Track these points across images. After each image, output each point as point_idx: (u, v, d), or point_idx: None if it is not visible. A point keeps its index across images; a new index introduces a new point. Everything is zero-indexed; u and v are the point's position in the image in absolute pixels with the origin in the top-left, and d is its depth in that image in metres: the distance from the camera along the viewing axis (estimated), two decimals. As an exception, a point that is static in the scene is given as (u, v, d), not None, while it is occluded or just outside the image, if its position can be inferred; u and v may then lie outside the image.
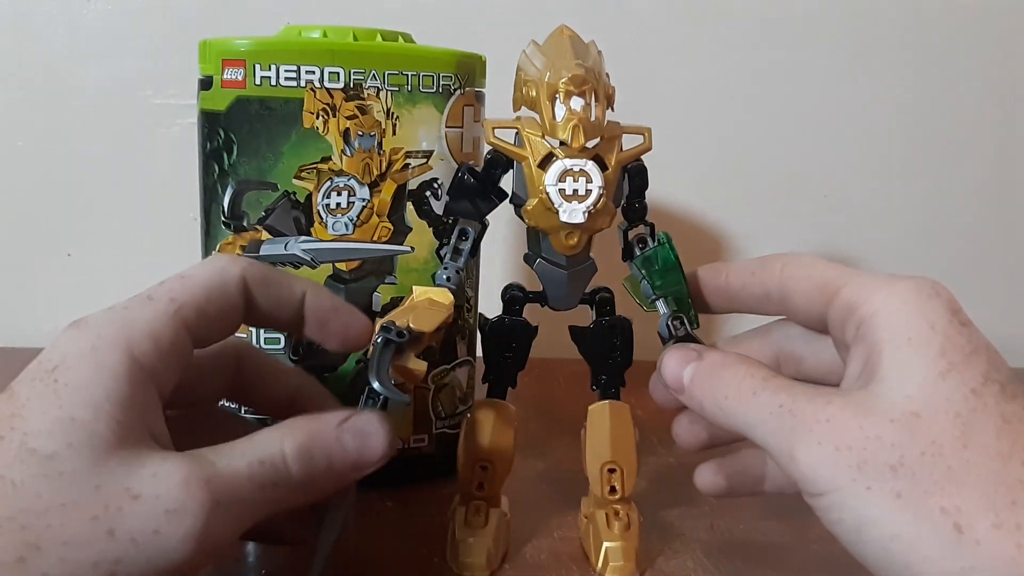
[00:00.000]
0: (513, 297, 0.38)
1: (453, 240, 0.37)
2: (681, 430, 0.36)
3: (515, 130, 0.35)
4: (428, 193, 0.42)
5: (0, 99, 0.66)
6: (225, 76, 0.39)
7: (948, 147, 0.72)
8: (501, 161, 0.35)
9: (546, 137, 0.34)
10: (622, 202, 0.36)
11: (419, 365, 0.33)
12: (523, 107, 0.35)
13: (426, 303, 0.35)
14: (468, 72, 0.42)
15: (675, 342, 0.35)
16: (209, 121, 0.40)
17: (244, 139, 0.39)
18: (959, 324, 0.27)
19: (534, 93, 0.33)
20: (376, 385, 0.31)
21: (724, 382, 0.30)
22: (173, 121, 0.66)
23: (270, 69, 0.39)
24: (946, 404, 0.26)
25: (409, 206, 0.42)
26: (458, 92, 0.42)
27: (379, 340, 0.32)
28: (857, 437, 0.26)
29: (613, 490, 0.38)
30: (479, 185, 0.35)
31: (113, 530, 0.24)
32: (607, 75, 0.35)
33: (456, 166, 0.42)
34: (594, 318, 0.38)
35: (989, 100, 0.72)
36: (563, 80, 0.32)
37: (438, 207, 0.42)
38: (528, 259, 0.37)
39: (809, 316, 0.32)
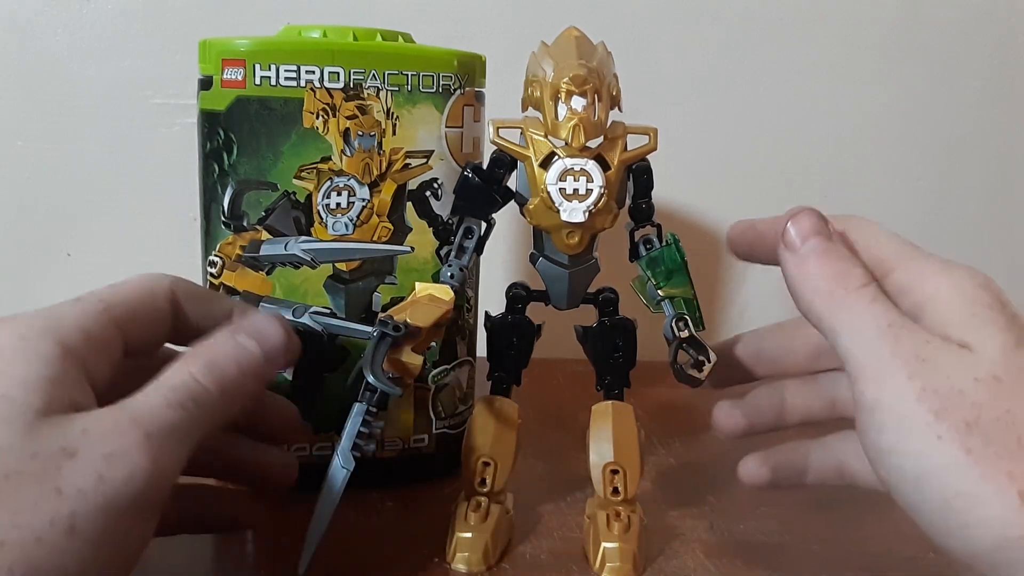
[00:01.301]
0: (516, 295, 0.38)
1: (458, 238, 0.37)
2: (721, 414, 0.37)
3: (519, 130, 0.35)
4: (428, 193, 0.42)
5: (0, 99, 0.66)
6: (225, 76, 0.39)
7: (948, 147, 0.72)
8: (505, 160, 0.35)
9: (549, 136, 0.34)
10: (628, 202, 0.36)
11: (414, 359, 0.34)
12: (530, 107, 0.35)
13: (426, 299, 0.35)
14: (468, 72, 0.42)
15: (679, 345, 0.35)
16: (209, 121, 0.40)
17: (244, 139, 0.39)
18: (1012, 311, 0.28)
19: (538, 93, 0.34)
20: (370, 378, 0.32)
21: (846, 270, 0.30)
22: (173, 121, 0.66)
23: (270, 69, 0.39)
24: (1021, 374, 0.26)
25: (409, 206, 0.42)
26: (458, 92, 0.42)
27: (376, 334, 0.33)
28: (943, 385, 0.26)
29: (616, 491, 0.38)
30: (484, 184, 0.36)
31: (59, 488, 0.24)
32: (615, 76, 0.35)
33: (456, 166, 0.42)
34: (598, 318, 0.38)
35: (989, 100, 0.72)
36: (565, 80, 0.32)
37: (438, 207, 0.42)
38: (532, 258, 0.37)
39: None
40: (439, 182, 0.42)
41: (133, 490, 0.25)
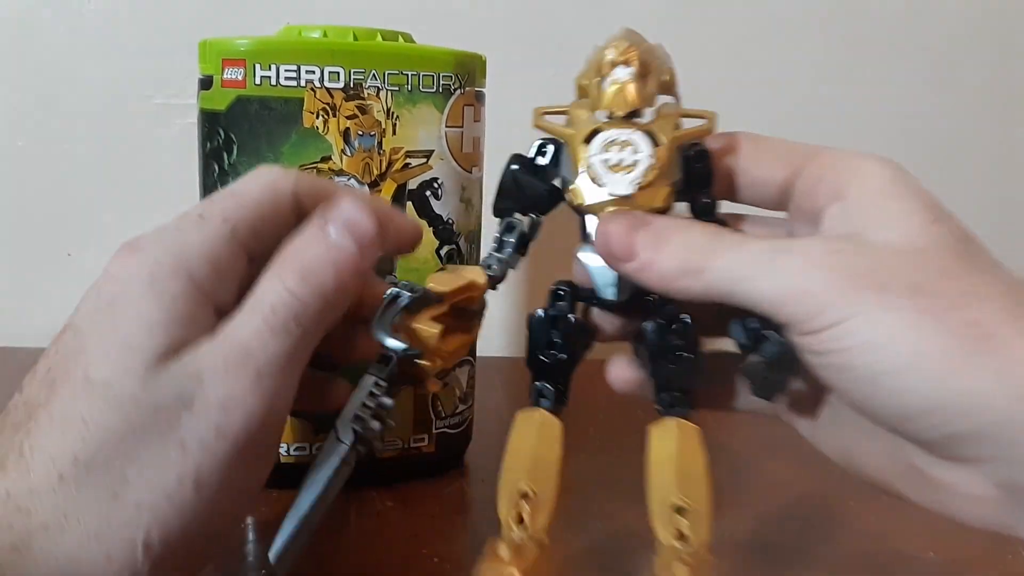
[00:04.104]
0: (556, 292, 0.33)
1: (499, 232, 0.33)
2: (618, 372, 0.33)
3: (565, 116, 0.32)
4: (428, 193, 0.42)
5: (0, 99, 0.66)
6: (225, 76, 0.39)
7: (948, 148, 0.72)
8: (549, 146, 0.32)
9: (594, 114, 0.31)
10: (680, 188, 0.31)
11: (429, 327, 0.30)
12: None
13: (452, 269, 0.33)
14: (468, 72, 0.42)
15: (748, 337, 0.29)
16: (209, 121, 0.40)
17: (244, 139, 0.39)
18: (929, 193, 0.28)
19: (585, 81, 0.31)
20: (377, 334, 0.29)
21: (695, 238, 0.28)
22: (173, 121, 0.66)
23: (270, 69, 0.39)
24: (945, 243, 0.26)
25: (409, 206, 0.42)
26: (458, 92, 0.42)
27: (388, 294, 0.30)
28: (873, 264, 0.26)
29: (682, 537, 0.29)
30: (527, 173, 0.32)
31: (183, 442, 0.24)
32: (671, 68, 0.33)
33: (456, 166, 0.42)
34: (651, 315, 0.31)
35: (989, 101, 0.72)
36: (608, 50, 0.31)
37: (438, 207, 0.42)
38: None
39: (767, 188, 0.31)
40: (439, 182, 0.42)
41: (249, 436, 0.25)
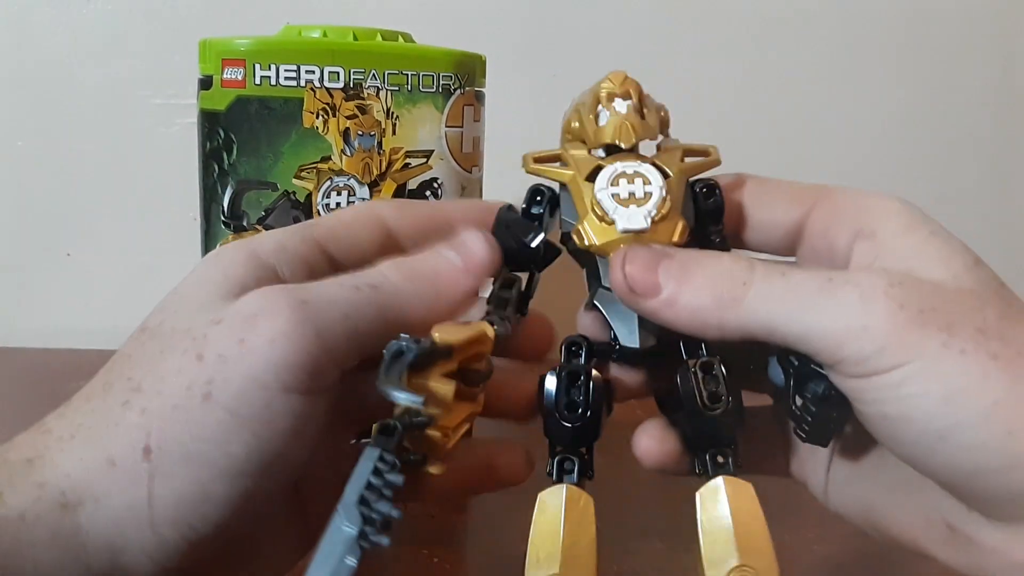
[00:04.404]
0: (569, 347, 0.29)
1: (496, 288, 0.29)
2: (649, 441, 0.29)
3: (558, 161, 0.30)
4: (428, 193, 0.42)
5: (0, 99, 0.66)
6: (225, 76, 0.39)
7: (947, 149, 0.72)
8: (544, 193, 0.29)
9: (592, 152, 0.29)
10: (692, 225, 0.29)
11: (443, 385, 0.26)
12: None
13: (454, 323, 0.28)
14: (468, 72, 0.42)
15: (789, 376, 0.26)
16: (209, 121, 0.40)
17: (244, 139, 0.39)
18: (955, 238, 0.26)
19: (577, 122, 0.29)
20: (387, 389, 0.24)
21: (727, 267, 0.25)
22: (173, 121, 0.66)
23: (270, 69, 0.39)
24: (990, 286, 0.24)
25: (409, 206, 0.42)
26: (458, 92, 0.42)
27: (390, 349, 0.25)
28: (935, 301, 0.23)
29: None
30: (520, 225, 0.29)
31: (201, 354, 0.23)
32: (662, 105, 0.31)
33: (456, 166, 0.42)
34: (683, 359, 0.27)
35: (988, 102, 0.72)
36: (604, 83, 0.29)
37: (438, 207, 0.43)
38: (589, 305, 0.30)
39: (775, 229, 0.29)
40: (439, 182, 0.42)
41: (276, 356, 0.23)
